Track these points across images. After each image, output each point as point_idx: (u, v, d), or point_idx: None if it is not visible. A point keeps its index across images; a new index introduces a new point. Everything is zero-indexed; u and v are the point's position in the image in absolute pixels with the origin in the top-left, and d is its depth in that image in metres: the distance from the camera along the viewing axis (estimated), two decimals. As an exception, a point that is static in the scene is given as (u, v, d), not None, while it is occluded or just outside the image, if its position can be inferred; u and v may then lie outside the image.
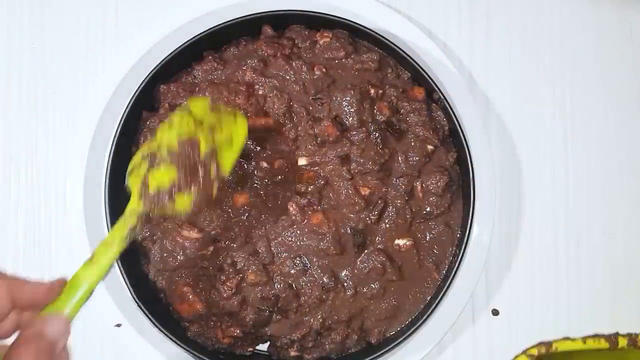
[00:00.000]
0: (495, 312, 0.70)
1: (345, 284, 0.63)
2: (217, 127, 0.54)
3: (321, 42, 0.66)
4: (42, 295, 0.41)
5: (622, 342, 0.68)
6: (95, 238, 0.66)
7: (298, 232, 0.62)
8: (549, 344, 0.68)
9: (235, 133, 0.56)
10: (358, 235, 0.62)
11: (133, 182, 0.51)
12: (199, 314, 0.62)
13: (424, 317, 0.63)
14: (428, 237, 0.65)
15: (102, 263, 0.45)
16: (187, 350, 0.61)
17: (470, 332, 0.70)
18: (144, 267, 0.64)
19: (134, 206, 0.49)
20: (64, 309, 0.42)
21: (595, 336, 0.69)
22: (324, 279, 0.62)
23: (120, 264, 0.62)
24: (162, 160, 0.51)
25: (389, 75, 0.67)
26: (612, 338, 0.68)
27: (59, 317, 0.41)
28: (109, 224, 0.63)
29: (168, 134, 0.52)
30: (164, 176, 0.50)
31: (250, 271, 0.61)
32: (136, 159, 0.53)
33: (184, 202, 0.50)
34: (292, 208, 0.62)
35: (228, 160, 0.54)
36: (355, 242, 0.62)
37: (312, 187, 0.63)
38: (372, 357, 0.62)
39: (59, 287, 0.43)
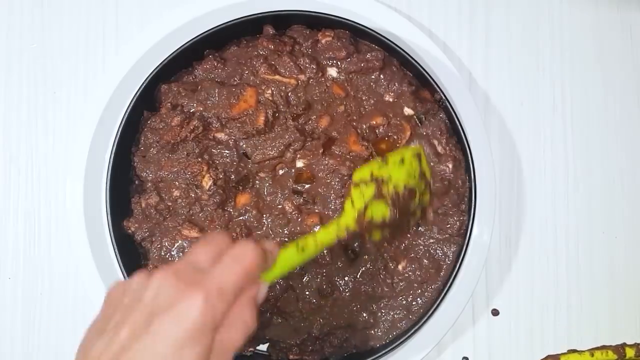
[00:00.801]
0: (495, 312, 0.70)
1: (342, 289, 0.64)
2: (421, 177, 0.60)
3: (323, 42, 0.66)
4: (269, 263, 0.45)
5: (630, 353, 0.68)
6: (95, 238, 0.66)
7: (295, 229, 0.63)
8: (556, 358, 0.68)
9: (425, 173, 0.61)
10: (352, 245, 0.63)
11: (355, 197, 0.56)
12: None
13: (424, 317, 0.63)
14: (428, 237, 0.65)
15: (307, 254, 0.49)
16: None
17: (470, 332, 0.70)
18: (143, 266, 0.64)
19: (349, 223, 0.54)
20: (269, 279, 0.45)
21: (603, 347, 0.69)
22: (323, 286, 0.63)
23: (120, 264, 0.62)
24: (387, 196, 0.56)
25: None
26: (620, 349, 0.68)
27: (264, 283, 0.44)
28: (109, 224, 0.63)
29: (399, 172, 0.58)
30: (379, 210, 0.56)
31: None
32: (364, 174, 0.57)
33: (378, 236, 0.57)
34: (287, 207, 0.62)
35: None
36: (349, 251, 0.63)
37: (308, 186, 0.64)
38: (372, 357, 0.62)
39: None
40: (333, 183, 0.63)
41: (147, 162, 0.64)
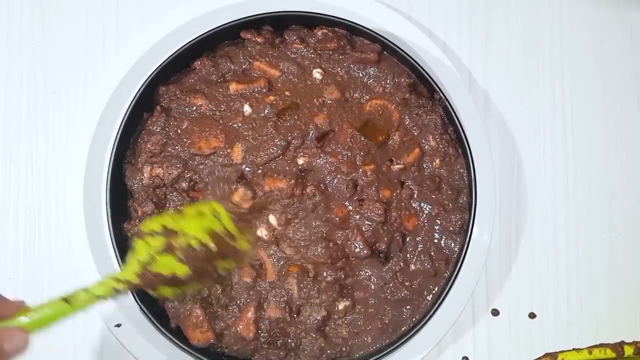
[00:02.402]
0: (495, 312, 0.70)
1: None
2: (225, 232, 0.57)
3: (319, 34, 0.66)
4: (8, 312, 0.43)
5: (628, 351, 0.68)
6: (94, 238, 0.66)
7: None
8: (554, 356, 0.68)
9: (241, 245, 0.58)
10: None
11: (140, 250, 0.52)
12: (208, 343, 0.63)
13: (425, 318, 0.63)
14: (428, 237, 0.65)
15: (75, 306, 0.48)
16: (187, 351, 0.61)
17: (470, 332, 0.70)
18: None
19: (129, 275, 0.51)
20: (30, 329, 0.44)
21: (601, 345, 0.69)
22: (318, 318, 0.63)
23: (120, 265, 0.62)
24: (177, 250, 0.53)
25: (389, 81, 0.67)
26: (618, 347, 0.68)
27: (19, 329, 0.43)
28: (109, 224, 0.63)
29: (194, 226, 0.55)
30: (168, 264, 0.52)
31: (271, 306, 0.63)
32: (154, 225, 0.54)
33: (168, 292, 0.53)
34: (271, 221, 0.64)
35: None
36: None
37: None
38: (373, 358, 0.62)
39: (23, 307, 0.45)
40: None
41: (135, 171, 0.64)
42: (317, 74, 0.66)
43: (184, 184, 0.64)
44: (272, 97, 0.65)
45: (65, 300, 0.47)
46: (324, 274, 0.63)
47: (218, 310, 0.63)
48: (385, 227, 0.64)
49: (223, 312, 0.63)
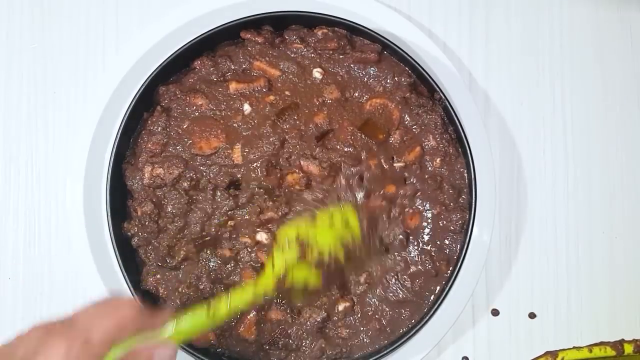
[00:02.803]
0: (495, 312, 0.70)
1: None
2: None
3: (319, 34, 0.66)
4: (156, 325, 0.44)
5: (628, 349, 0.68)
6: (94, 238, 0.66)
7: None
8: (555, 354, 0.68)
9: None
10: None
11: (277, 258, 0.54)
12: (209, 343, 0.63)
13: (425, 318, 0.63)
14: (429, 236, 0.65)
15: (217, 319, 0.48)
16: (188, 351, 0.61)
17: (470, 332, 0.70)
18: (143, 267, 0.65)
19: (267, 288, 0.52)
20: (174, 339, 0.45)
21: (601, 344, 0.69)
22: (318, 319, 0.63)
23: (120, 265, 0.62)
24: (310, 261, 0.54)
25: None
26: (618, 345, 0.68)
27: (167, 345, 0.43)
28: (109, 224, 0.63)
29: (326, 236, 0.56)
30: (302, 274, 0.54)
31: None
32: (290, 233, 0.55)
33: (300, 298, 0.58)
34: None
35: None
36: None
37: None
38: (373, 358, 0.62)
39: (169, 316, 0.46)
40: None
41: (135, 170, 0.64)
42: (317, 73, 0.66)
43: (185, 184, 0.64)
44: (272, 97, 0.65)
45: (209, 312, 0.48)
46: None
47: None
48: (388, 223, 0.64)
49: None
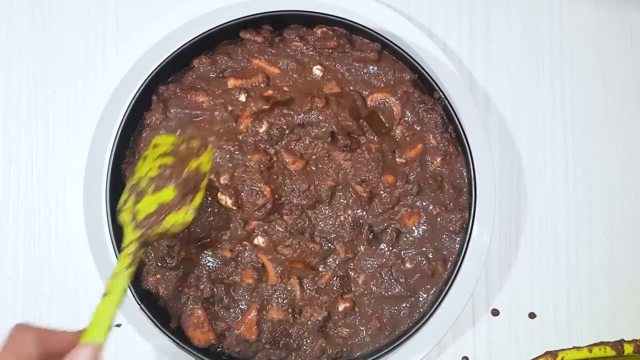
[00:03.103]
0: (495, 312, 0.70)
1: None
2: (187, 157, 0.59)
3: (318, 32, 0.66)
4: (70, 343, 0.45)
5: (628, 349, 0.68)
6: (95, 238, 0.66)
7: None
8: (554, 354, 0.68)
9: (202, 163, 0.59)
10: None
11: (124, 217, 0.56)
12: (209, 343, 0.63)
13: (424, 317, 0.63)
14: (426, 237, 0.65)
15: (116, 292, 0.50)
16: (188, 351, 0.61)
17: (470, 332, 0.70)
18: (142, 269, 0.65)
19: (130, 236, 0.54)
20: (91, 340, 0.46)
21: (601, 344, 0.69)
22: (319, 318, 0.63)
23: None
24: (145, 189, 0.56)
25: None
26: (618, 345, 0.68)
27: (85, 347, 0.45)
28: (109, 224, 0.63)
29: (144, 167, 0.58)
30: (150, 203, 0.56)
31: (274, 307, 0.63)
32: (122, 198, 0.57)
33: (172, 219, 0.55)
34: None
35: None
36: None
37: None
38: (372, 357, 0.62)
39: (77, 333, 0.47)
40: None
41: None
42: (317, 70, 0.66)
43: None
44: (270, 92, 0.65)
45: (106, 295, 0.50)
46: (322, 268, 0.64)
47: (220, 310, 0.63)
48: (382, 215, 0.64)
49: (225, 313, 0.63)
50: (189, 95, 0.65)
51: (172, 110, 0.65)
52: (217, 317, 0.63)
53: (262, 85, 0.66)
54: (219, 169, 0.64)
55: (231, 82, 0.66)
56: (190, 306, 0.62)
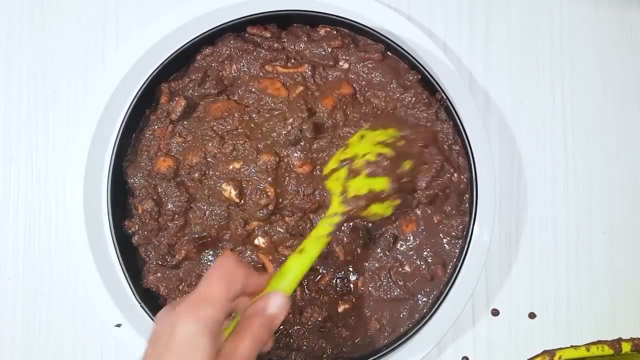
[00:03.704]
0: (495, 312, 0.70)
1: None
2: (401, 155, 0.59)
3: (322, 32, 0.66)
4: (258, 287, 0.47)
5: (626, 348, 0.68)
6: (95, 238, 0.66)
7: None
8: (552, 353, 0.68)
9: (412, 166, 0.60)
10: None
11: (334, 187, 0.57)
12: None
13: (425, 318, 0.63)
14: (428, 237, 0.65)
15: (311, 253, 0.51)
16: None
17: (470, 332, 0.70)
18: (142, 267, 0.65)
19: (337, 207, 0.55)
20: (280, 287, 0.48)
21: (599, 342, 0.69)
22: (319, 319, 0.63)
23: (121, 264, 0.62)
24: (360, 170, 0.57)
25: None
26: (616, 344, 0.68)
27: (278, 293, 0.47)
28: (110, 224, 0.63)
29: (361, 146, 0.59)
30: (361, 186, 0.56)
31: None
32: (332, 164, 0.59)
33: (376, 209, 0.57)
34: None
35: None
36: None
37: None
38: (372, 357, 0.62)
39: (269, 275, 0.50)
40: None
41: (136, 168, 0.64)
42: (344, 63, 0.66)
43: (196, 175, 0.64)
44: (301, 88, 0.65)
45: (300, 252, 0.51)
46: (322, 270, 0.64)
47: None
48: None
49: None
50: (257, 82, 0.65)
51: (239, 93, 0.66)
52: None
53: (305, 77, 0.66)
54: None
55: (279, 70, 0.66)
56: None
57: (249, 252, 0.64)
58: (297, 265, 0.50)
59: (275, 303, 0.46)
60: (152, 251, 0.64)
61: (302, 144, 0.63)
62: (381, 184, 0.57)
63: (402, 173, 0.58)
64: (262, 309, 0.45)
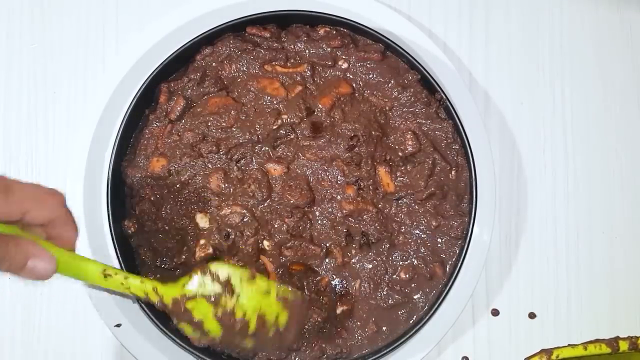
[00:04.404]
0: (495, 312, 0.70)
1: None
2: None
3: (321, 32, 0.66)
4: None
5: (623, 346, 0.68)
6: (95, 238, 0.66)
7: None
8: (549, 352, 0.68)
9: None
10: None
11: (196, 282, 0.51)
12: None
13: (425, 318, 0.63)
14: (428, 237, 0.65)
15: (109, 284, 0.48)
16: (188, 350, 0.61)
17: (470, 332, 0.70)
18: (142, 268, 0.65)
19: (166, 297, 0.50)
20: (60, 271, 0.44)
21: (597, 341, 0.69)
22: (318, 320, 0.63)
23: (121, 264, 0.62)
24: (219, 308, 0.51)
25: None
26: (613, 342, 0.68)
27: (50, 257, 0.41)
28: (110, 224, 0.63)
29: (252, 296, 0.52)
30: (204, 313, 0.51)
31: None
32: (223, 270, 0.51)
33: (188, 330, 0.52)
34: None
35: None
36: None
37: None
38: (372, 357, 0.62)
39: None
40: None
41: (135, 168, 0.64)
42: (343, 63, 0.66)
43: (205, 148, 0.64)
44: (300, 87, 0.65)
45: (104, 273, 0.47)
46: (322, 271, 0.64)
47: None
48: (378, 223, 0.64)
49: None
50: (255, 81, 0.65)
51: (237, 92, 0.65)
52: None
53: (305, 77, 0.66)
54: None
55: (278, 69, 0.66)
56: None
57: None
58: (89, 272, 0.47)
59: (43, 261, 0.41)
60: (150, 253, 0.64)
61: (285, 140, 0.64)
62: (212, 327, 0.52)
63: (234, 343, 0.53)
64: (31, 256, 0.40)
